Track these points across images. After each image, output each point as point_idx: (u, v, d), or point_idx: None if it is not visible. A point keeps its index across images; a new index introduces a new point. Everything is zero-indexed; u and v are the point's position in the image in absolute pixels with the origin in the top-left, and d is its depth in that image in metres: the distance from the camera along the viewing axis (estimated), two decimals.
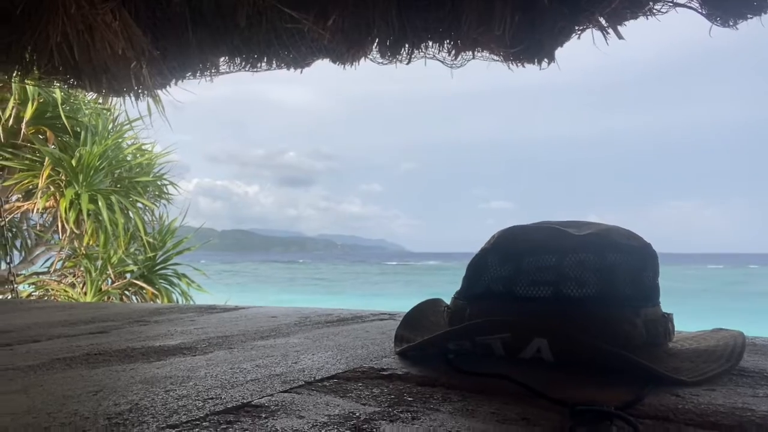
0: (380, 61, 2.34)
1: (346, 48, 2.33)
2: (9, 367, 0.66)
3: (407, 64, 2.16)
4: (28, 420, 0.45)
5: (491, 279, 0.65)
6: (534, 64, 2.09)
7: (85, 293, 4.58)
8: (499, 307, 0.64)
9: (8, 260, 2.87)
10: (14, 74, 2.69)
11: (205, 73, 2.78)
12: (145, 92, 2.78)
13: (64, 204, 4.31)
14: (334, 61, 2.51)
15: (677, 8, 1.91)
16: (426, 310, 0.83)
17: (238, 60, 2.69)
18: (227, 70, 2.73)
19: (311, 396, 0.51)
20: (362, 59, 2.37)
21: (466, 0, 1.97)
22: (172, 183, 5.56)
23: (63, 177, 4.44)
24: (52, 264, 5.24)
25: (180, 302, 5.22)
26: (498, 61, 2.13)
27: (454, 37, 2.08)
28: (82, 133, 4.68)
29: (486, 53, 2.11)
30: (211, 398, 0.51)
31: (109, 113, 5.22)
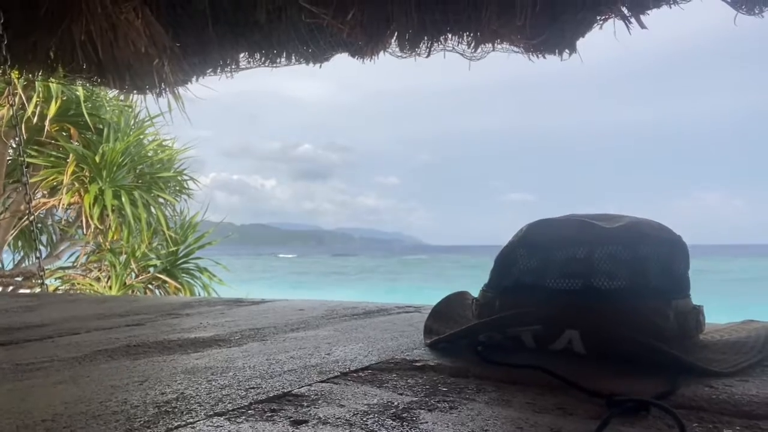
0: (399, 54, 2.34)
1: (365, 42, 2.33)
2: (54, 359, 0.68)
3: (426, 57, 2.15)
4: (81, 408, 0.47)
5: (521, 271, 0.66)
6: (555, 55, 2.07)
7: (110, 287, 4.66)
8: (529, 299, 0.65)
9: (37, 255, 2.94)
10: (39, 73, 2.74)
11: (226, 68, 2.80)
12: (167, 89, 2.81)
13: (88, 200, 4.38)
14: (352, 55, 2.51)
15: None
16: (454, 302, 0.84)
17: (257, 56, 2.71)
18: (247, 65, 2.75)
19: (348, 386, 0.52)
20: (381, 53, 2.36)
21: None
22: (192, 178, 5.63)
23: (87, 173, 4.52)
24: (76, 259, 5.36)
25: (202, 295, 5.29)
26: (518, 52, 2.12)
27: (473, 29, 2.07)
28: (105, 130, 4.76)
29: (506, 45, 2.10)
30: (253, 388, 0.52)
31: (130, 110, 5.29)
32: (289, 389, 0.52)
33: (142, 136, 5.27)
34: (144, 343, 0.75)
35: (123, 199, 4.54)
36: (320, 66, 2.67)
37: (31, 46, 2.55)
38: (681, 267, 0.64)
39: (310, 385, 0.54)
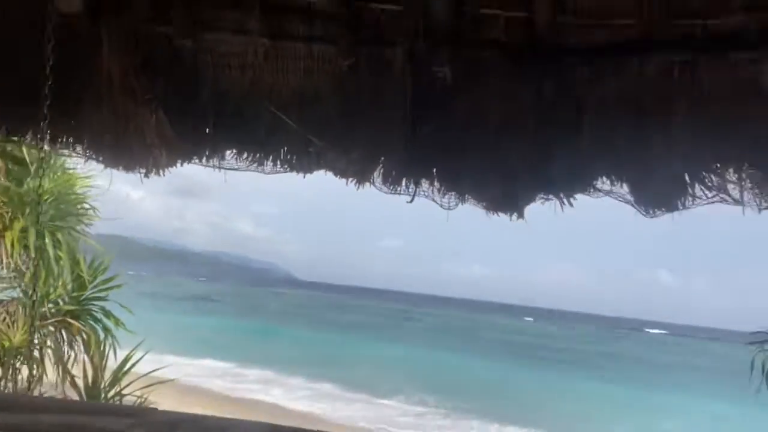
0: (381, 188, 2.76)
1: (353, 173, 2.75)
2: None
3: (410, 201, 2.62)
4: None
5: None
6: (507, 215, 2.65)
7: (17, 327, 4.48)
8: None
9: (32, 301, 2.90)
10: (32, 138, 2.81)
11: (212, 160, 3.03)
12: (155, 171, 2.99)
13: (10, 237, 4.27)
14: (336, 175, 2.89)
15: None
16: None
17: (245, 155, 2.97)
18: (234, 165, 2.98)
19: None
20: (366, 184, 2.78)
21: (466, 165, 2.51)
22: (93, 208, 5.45)
23: (8, 210, 4.40)
24: None
25: (102, 338, 5.16)
26: (480, 207, 2.66)
27: (453, 189, 2.58)
28: (33, 165, 4.67)
29: (474, 201, 2.64)
30: None
31: None
32: None
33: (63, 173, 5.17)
34: None
35: (46, 239, 4.47)
36: (304, 176, 3.00)
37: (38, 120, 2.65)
38: None
39: None
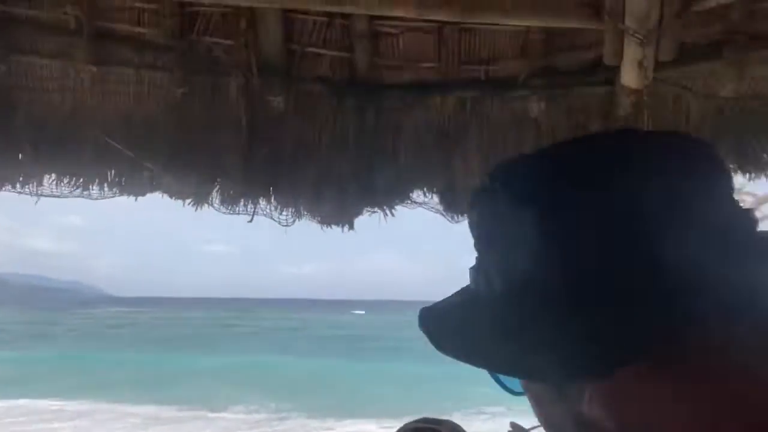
0: (220, 209, 2.87)
1: (190, 195, 2.82)
2: None
3: (250, 221, 2.78)
4: None
5: None
6: (339, 227, 2.94)
7: None
8: None
9: None
10: None
11: (27, 187, 2.83)
12: None
13: None
14: (171, 197, 2.93)
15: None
16: None
17: (66, 180, 2.83)
18: (53, 192, 2.82)
19: None
20: (204, 206, 2.86)
21: (300, 184, 2.75)
22: None
23: None
24: None
25: None
26: (314, 222, 2.92)
27: (290, 206, 2.80)
28: None
29: (309, 216, 2.88)
30: None
31: None
32: None
33: None
34: None
35: None
36: (136, 199, 2.96)
37: None
38: None
39: None
